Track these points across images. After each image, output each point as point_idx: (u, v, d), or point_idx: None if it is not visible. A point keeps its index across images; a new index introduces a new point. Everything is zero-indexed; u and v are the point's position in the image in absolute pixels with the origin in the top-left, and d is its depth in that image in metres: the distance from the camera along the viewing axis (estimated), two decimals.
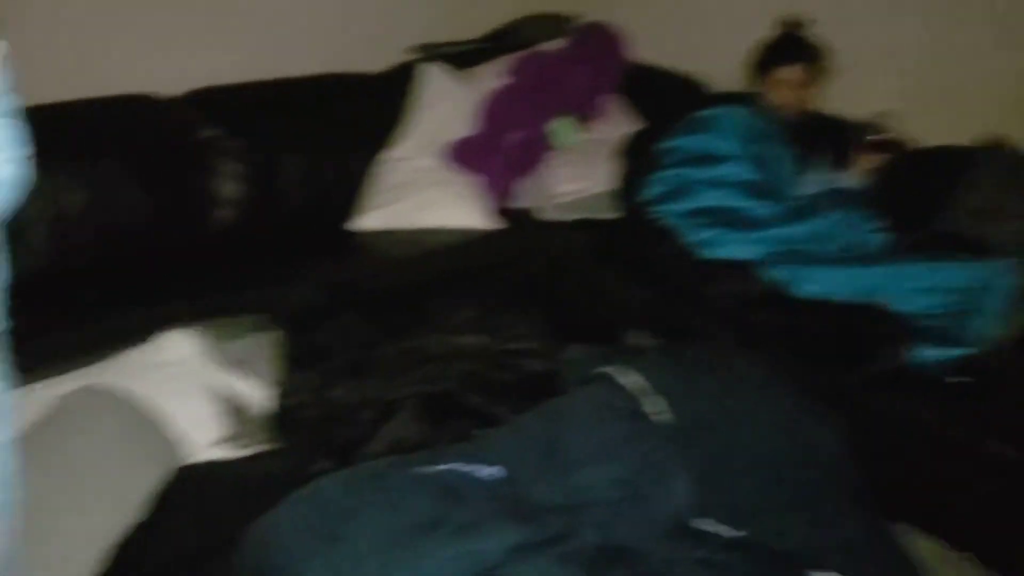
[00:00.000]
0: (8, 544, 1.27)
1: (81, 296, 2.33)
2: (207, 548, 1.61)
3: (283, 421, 2.01)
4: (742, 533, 1.56)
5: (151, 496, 1.73)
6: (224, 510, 1.68)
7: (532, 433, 1.59)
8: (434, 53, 3.27)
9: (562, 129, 3.15)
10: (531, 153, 3.09)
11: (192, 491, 1.73)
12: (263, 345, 2.24)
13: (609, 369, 1.70)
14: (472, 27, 3.44)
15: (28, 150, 1.07)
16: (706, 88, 3.16)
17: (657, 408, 1.69)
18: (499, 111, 3.09)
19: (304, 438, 1.94)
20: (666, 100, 3.18)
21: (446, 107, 3.10)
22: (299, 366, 2.12)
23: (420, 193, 2.90)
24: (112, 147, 2.60)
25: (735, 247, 2.50)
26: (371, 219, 2.88)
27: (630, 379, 1.69)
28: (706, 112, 2.72)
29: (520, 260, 2.68)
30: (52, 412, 1.82)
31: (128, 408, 1.85)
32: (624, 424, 1.58)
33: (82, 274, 2.43)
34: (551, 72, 3.20)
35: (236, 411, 2.06)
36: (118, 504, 1.70)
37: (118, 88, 2.67)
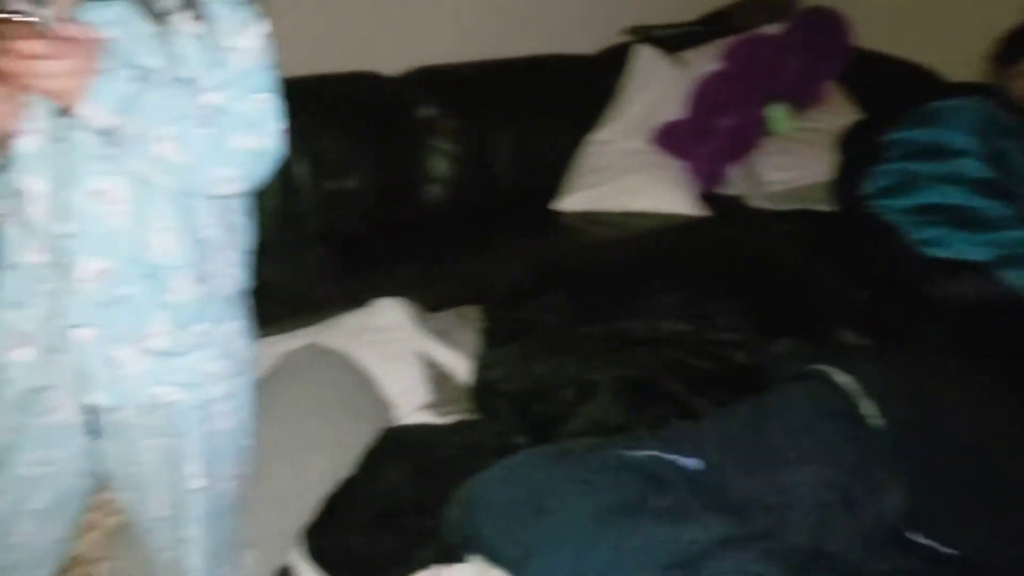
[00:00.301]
0: (240, 487, 1.38)
1: (306, 262, 2.48)
2: (411, 506, 1.69)
3: (482, 393, 2.07)
4: (954, 551, 1.48)
5: (363, 453, 1.83)
6: (428, 473, 1.75)
7: (739, 426, 1.55)
8: (648, 35, 3.23)
9: (777, 116, 3.05)
10: (742, 139, 3.02)
11: (399, 452, 1.81)
12: (465, 318, 2.32)
13: (824, 367, 1.64)
14: (688, 9, 3.38)
15: (285, 124, 1.15)
16: (937, 78, 2.97)
17: (869, 412, 1.62)
18: (711, 95, 3.02)
19: (502, 411, 1.99)
20: (892, 89, 3.02)
21: (657, 90, 3.06)
22: (500, 341, 2.17)
23: (626, 176, 2.88)
24: (339, 121, 2.74)
25: (963, 248, 2.34)
26: (577, 200, 2.90)
27: (843, 379, 1.63)
28: (939, 103, 2.55)
29: (727, 248, 2.62)
30: (278, 367, 1.95)
31: (347, 368, 1.96)
32: (839, 425, 1.52)
33: (307, 241, 2.58)
34: (768, 57, 3.10)
35: (440, 379, 2.14)
36: (333, 457, 1.80)
37: (346, 65, 2.80)
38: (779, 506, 1.39)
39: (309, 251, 2.52)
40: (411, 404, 2.05)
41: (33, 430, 1.22)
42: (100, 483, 1.36)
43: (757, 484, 1.44)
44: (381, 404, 1.97)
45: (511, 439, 1.84)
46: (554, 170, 2.98)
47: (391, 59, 2.90)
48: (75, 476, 1.29)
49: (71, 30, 1.02)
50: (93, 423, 1.22)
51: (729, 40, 3.17)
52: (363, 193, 2.73)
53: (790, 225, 2.79)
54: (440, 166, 2.86)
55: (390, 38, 2.94)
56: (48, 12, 1.01)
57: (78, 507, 1.37)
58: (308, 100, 2.69)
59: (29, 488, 1.27)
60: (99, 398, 1.19)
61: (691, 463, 1.47)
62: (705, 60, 3.13)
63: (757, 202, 2.95)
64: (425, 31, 3.00)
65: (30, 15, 1.00)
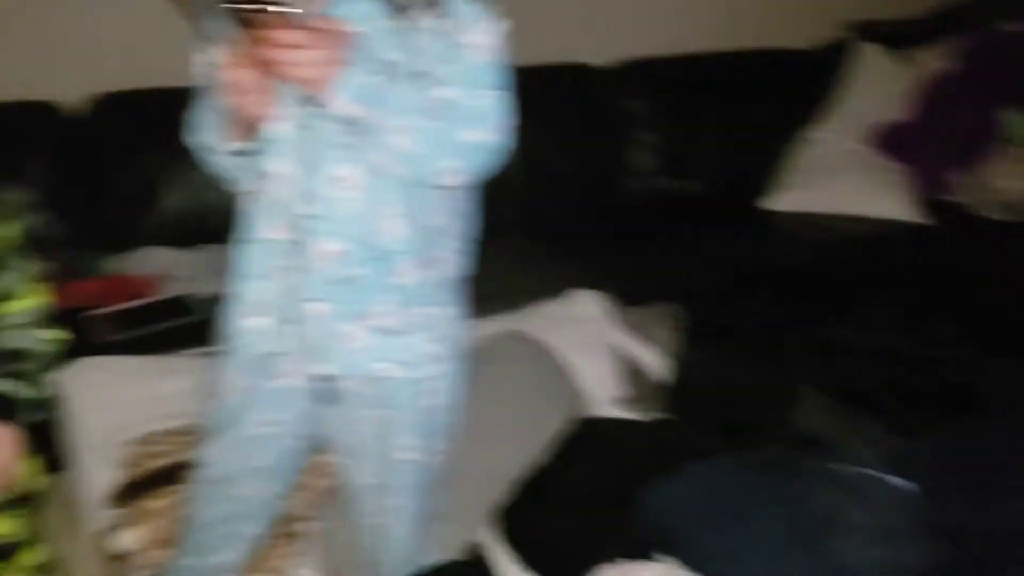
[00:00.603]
0: (442, 463, 1.43)
1: (507, 250, 2.53)
2: (602, 499, 1.69)
3: (679, 393, 2.05)
4: None
5: (554, 441, 1.85)
6: (620, 467, 1.75)
7: (960, 449, 1.46)
8: (872, 31, 3.08)
9: (1015, 122, 2.84)
10: (973, 145, 2.83)
11: (593, 443, 1.82)
12: (663, 315, 2.30)
13: None
14: (917, 3, 3.19)
15: (514, 121, 1.18)
16: None
17: None
18: (941, 97, 2.86)
19: (698, 413, 1.96)
20: None
21: (879, 89, 2.93)
22: (700, 341, 2.14)
23: (842, 177, 2.78)
24: (545, 111, 2.76)
25: None
26: (787, 200, 2.81)
27: None
28: None
29: (950, 260, 2.46)
30: (478, 349, 2.00)
31: (543, 355, 1.99)
32: None
33: (508, 229, 2.63)
34: (1009, 57, 2.89)
35: (634, 375, 2.13)
36: (525, 441, 1.83)
37: (556, 56, 2.83)
38: (1000, 537, 1.30)
39: (511, 239, 2.57)
40: (603, 396, 2.05)
41: (263, 392, 1.32)
42: (316, 446, 1.45)
43: (978, 512, 1.35)
44: (574, 394, 1.99)
45: (706, 442, 1.81)
46: (763, 168, 2.90)
47: (600, 50, 2.91)
48: (296, 438, 1.39)
49: (323, 23, 1.09)
50: (320, 391, 1.30)
51: (962, 38, 2.97)
52: (566, 184, 2.76)
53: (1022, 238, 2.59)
54: (645, 159, 2.85)
55: (600, 29, 2.95)
56: (304, 5, 1.08)
57: (295, 468, 1.46)
58: (517, 90, 2.74)
59: (255, 446, 1.37)
60: (327, 368, 1.27)
61: (903, 484, 1.40)
62: (935, 59, 2.97)
63: (986, 212, 2.76)
64: (636, 22, 2.99)
65: (288, 6, 1.07)
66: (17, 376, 1.26)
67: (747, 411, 1.86)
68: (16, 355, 1.27)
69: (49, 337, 1.31)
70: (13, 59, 2.46)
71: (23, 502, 1.34)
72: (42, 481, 1.41)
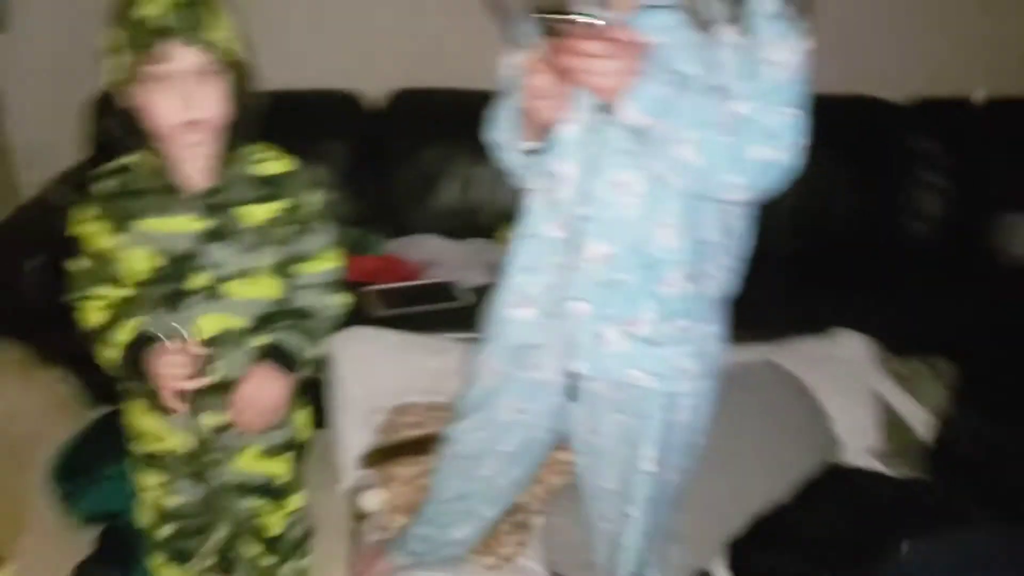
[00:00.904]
0: (682, 482, 1.41)
1: (769, 276, 2.45)
2: (840, 550, 1.61)
3: (940, 453, 1.91)
4: None
5: (801, 482, 1.77)
6: (867, 520, 1.66)
7: None
8: None
9: None
10: None
11: (841, 490, 1.74)
12: (933, 368, 2.15)
13: None
14: None
15: (806, 140, 1.15)
16: None
17: None
18: None
19: (960, 478, 1.82)
20: None
21: None
22: (970, 401, 1.98)
23: None
24: (830, 142, 2.64)
25: None
26: None
27: None
28: None
29: None
30: (732, 375, 1.95)
31: (800, 392, 1.92)
32: None
33: (778, 256, 2.55)
34: None
35: (893, 427, 2.01)
36: (770, 477, 1.77)
37: (846, 87, 2.72)
38: None
39: (779, 266, 2.49)
40: (858, 444, 1.95)
41: (517, 380, 1.37)
42: (558, 442, 1.48)
43: None
44: (829, 438, 1.90)
45: (964, 508, 1.68)
46: None
47: (895, 86, 2.77)
48: (541, 430, 1.43)
49: (622, 33, 1.11)
50: (572, 387, 1.32)
51: None
52: (845, 217, 2.65)
53: None
54: (931, 202, 2.68)
55: (893, 62, 2.81)
56: (606, 15, 1.11)
57: (537, 459, 1.51)
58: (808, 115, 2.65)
59: (502, 431, 1.43)
60: (580, 366, 1.29)
61: None
62: None
63: None
64: (930, 56, 2.82)
65: (591, 17, 1.10)
66: (302, 332, 1.36)
67: (1015, 480, 1.70)
68: (304, 313, 1.36)
69: (337, 301, 1.40)
70: (326, 51, 2.70)
71: (297, 448, 1.45)
72: (311, 432, 1.52)
